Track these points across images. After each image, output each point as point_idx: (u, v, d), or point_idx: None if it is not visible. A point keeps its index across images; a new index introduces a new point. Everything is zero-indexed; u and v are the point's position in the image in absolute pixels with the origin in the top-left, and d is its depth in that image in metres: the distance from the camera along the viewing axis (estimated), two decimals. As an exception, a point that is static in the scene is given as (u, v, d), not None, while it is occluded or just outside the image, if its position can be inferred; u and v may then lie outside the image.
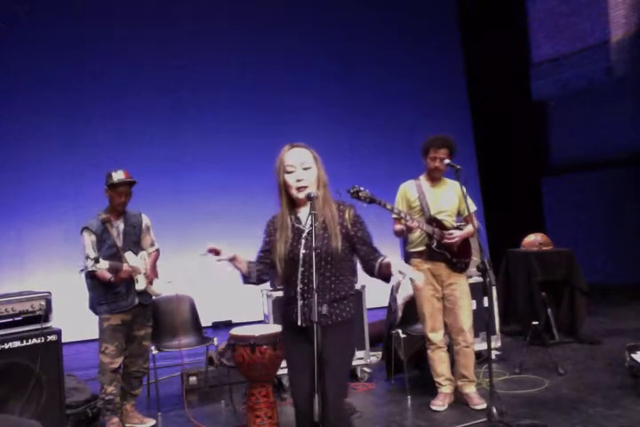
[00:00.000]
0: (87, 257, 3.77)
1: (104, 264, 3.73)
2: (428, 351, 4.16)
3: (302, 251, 2.61)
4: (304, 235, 2.64)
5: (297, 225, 2.68)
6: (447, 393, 4.13)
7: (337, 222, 2.64)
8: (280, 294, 3.07)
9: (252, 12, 7.88)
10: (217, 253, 2.55)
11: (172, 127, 7.45)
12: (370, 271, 2.69)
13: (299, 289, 2.63)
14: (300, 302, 2.63)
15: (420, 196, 4.10)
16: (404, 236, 4.16)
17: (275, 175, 2.69)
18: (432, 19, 8.73)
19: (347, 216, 2.68)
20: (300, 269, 2.62)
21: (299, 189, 2.64)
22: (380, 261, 2.63)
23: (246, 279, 2.71)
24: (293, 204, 2.71)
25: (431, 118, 7.93)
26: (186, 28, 7.58)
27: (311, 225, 2.54)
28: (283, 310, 2.79)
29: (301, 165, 2.63)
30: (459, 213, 4.21)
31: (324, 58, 8.17)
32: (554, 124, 9.53)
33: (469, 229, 4.14)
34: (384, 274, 2.61)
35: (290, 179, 2.63)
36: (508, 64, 8.71)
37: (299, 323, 2.63)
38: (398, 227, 4.01)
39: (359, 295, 4.83)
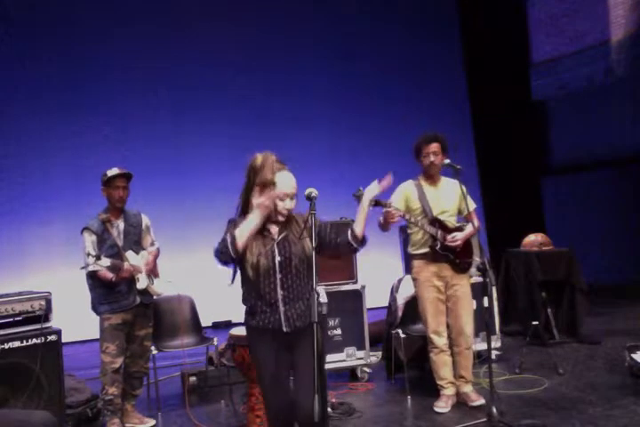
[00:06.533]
0: (88, 254, 3.77)
1: (106, 262, 3.74)
2: (431, 355, 4.13)
3: (277, 258, 2.69)
4: (275, 243, 2.71)
5: (267, 235, 2.74)
6: (450, 395, 4.11)
7: (302, 232, 2.73)
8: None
9: (253, 14, 7.88)
10: None
11: (173, 127, 7.44)
12: (346, 240, 2.76)
13: (279, 296, 2.67)
14: (282, 309, 2.67)
15: (421, 197, 4.08)
16: (384, 228, 3.86)
17: (255, 183, 2.70)
18: (432, 19, 8.73)
19: (309, 222, 2.71)
20: (278, 275, 2.68)
21: (282, 215, 2.74)
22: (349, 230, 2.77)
23: None
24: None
25: (431, 118, 7.92)
26: (186, 29, 7.57)
27: (311, 226, 2.60)
28: (256, 318, 2.73)
29: (291, 195, 2.74)
30: (459, 212, 4.20)
31: (325, 59, 8.17)
32: (554, 124, 9.53)
33: (470, 228, 4.13)
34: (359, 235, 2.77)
35: (280, 205, 2.72)
36: (508, 64, 8.71)
37: (284, 329, 2.67)
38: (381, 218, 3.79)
39: (359, 295, 4.84)
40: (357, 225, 2.77)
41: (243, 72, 7.75)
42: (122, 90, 7.27)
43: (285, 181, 2.72)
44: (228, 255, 2.63)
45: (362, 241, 2.77)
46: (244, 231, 2.63)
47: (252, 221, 2.64)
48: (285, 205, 2.72)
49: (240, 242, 2.62)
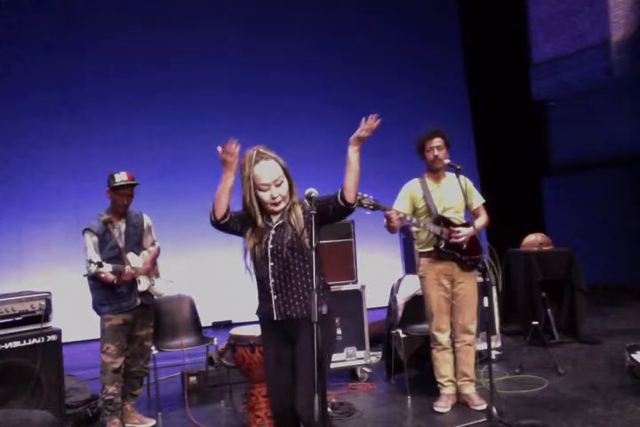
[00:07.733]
0: (90, 261, 3.75)
1: (107, 268, 3.74)
2: (433, 351, 4.13)
3: (270, 246, 2.68)
4: (272, 231, 2.70)
5: (267, 222, 2.73)
6: (450, 394, 4.11)
7: (302, 221, 2.68)
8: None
9: (254, 13, 7.88)
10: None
11: (173, 127, 7.44)
12: (341, 195, 2.63)
13: (271, 284, 2.68)
14: (274, 297, 2.68)
15: (426, 195, 4.07)
16: (391, 230, 3.94)
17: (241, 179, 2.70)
18: (432, 19, 8.73)
19: (310, 207, 2.65)
20: (270, 263, 2.68)
21: (275, 204, 2.70)
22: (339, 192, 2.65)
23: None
24: (263, 207, 2.73)
25: (431, 118, 7.89)
26: (186, 28, 7.58)
27: (311, 225, 2.58)
28: (259, 306, 2.80)
29: (274, 183, 2.67)
30: (467, 208, 4.17)
31: (325, 58, 8.17)
32: (554, 124, 9.53)
33: (479, 224, 4.10)
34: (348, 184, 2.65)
35: (264, 196, 2.69)
36: (508, 64, 8.71)
37: (274, 317, 2.68)
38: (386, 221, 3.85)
39: (359, 295, 4.83)
40: (347, 181, 2.62)
41: (243, 72, 7.75)
42: (123, 89, 7.27)
43: (261, 171, 2.67)
44: (210, 220, 2.75)
45: (353, 202, 2.63)
46: (217, 193, 2.69)
47: (221, 180, 2.67)
48: (272, 194, 2.67)
49: (216, 205, 2.69)
